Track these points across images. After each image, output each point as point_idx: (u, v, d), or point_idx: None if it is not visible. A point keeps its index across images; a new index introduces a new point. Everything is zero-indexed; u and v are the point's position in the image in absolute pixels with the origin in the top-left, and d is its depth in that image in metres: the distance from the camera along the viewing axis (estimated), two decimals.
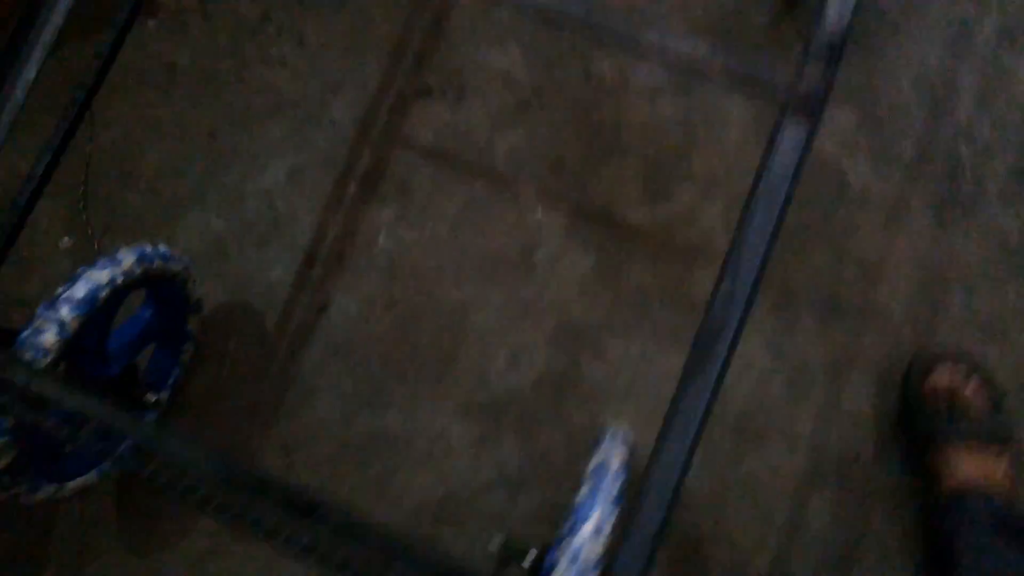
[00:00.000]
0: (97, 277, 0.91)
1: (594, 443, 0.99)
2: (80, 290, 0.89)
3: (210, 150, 1.28)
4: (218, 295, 1.21)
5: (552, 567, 0.74)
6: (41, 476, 0.99)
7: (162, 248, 1.01)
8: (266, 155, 1.27)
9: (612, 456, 0.87)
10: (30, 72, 0.82)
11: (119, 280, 0.93)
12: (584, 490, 0.81)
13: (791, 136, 0.74)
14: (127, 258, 0.95)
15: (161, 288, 1.06)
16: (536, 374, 1.19)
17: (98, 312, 0.92)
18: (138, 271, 0.96)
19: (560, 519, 0.79)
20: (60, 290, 0.89)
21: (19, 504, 0.97)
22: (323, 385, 1.19)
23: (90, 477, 1.07)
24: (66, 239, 1.25)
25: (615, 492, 0.82)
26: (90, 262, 0.94)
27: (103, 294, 0.91)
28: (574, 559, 0.73)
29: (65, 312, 0.88)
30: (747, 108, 1.24)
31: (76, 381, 0.95)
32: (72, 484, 1.04)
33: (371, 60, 1.29)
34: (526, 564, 0.77)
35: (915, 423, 1.10)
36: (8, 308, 1.23)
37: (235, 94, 1.29)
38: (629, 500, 0.79)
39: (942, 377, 1.09)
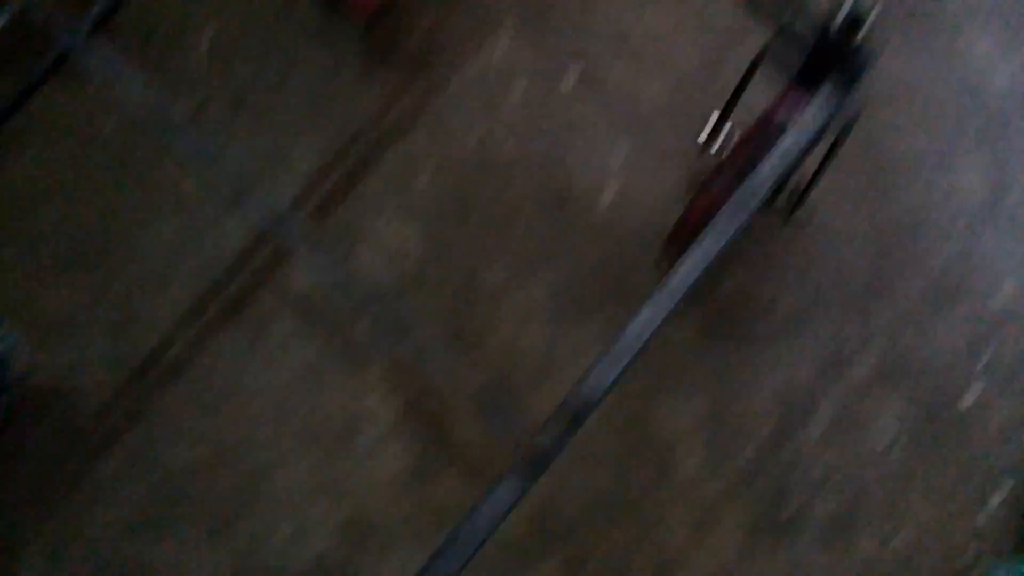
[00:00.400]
0: None
1: None
2: None
3: (101, 229, 1.28)
4: (46, 374, 1.21)
5: None
6: None
7: None
8: (149, 250, 1.28)
9: None
10: None
11: None
12: None
13: (506, 489, 0.75)
14: None
15: None
16: (313, 557, 1.18)
17: None
18: None
19: None
20: None
21: None
22: (111, 498, 1.19)
23: None
24: None
25: None
26: None
27: None
28: None
29: None
30: None
31: None
32: None
33: (281, 189, 1.30)
34: None
35: None
36: None
37: (143, 181, 1.31)
38: None
39: None
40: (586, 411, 0.76)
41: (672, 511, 1.19)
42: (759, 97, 1.08)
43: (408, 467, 1.21)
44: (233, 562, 1.17)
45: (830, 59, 0.84)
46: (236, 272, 1.27)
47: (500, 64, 1.31)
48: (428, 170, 1.30)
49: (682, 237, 1.09)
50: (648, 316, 0.77)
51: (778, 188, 1.03)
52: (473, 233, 1.28)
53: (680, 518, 1.19)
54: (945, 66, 1.32)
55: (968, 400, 1.24)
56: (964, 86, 1.32)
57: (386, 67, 1.31)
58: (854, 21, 0.82)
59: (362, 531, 1.19)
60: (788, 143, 0.85)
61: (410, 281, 1.27)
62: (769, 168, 0.85)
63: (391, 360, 1.24)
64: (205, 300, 1.26)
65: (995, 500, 1.23)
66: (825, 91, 0.84)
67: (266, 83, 1.32)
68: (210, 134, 1.31)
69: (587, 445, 1.20)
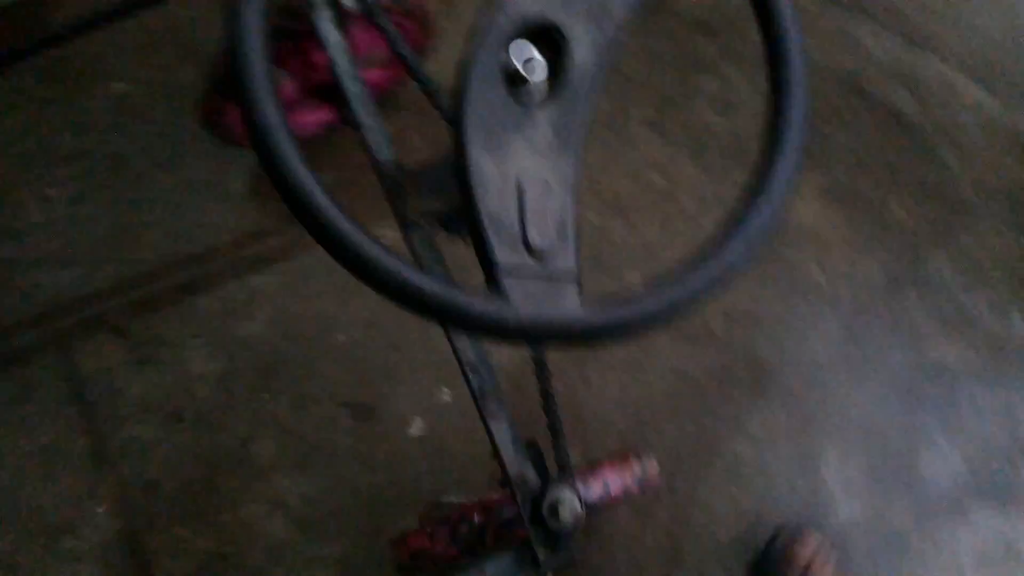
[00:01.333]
0: None
1: None
2: None
3: None
4: None
5: None
6: None
7: None
8: None
9: None
10: None
11: None
12: None
13: None
14: None
15: None
16: None
17: None
18: None
19: None
20: None
21: None
22: None
23: None
24: None
25: None
26: None
27: None
28: None
29: None
30: None
31: None
32: None
33: (115, 268, 1.24)
34: None
35: None
36: None
37: None
38: None
39: (805, 547, 1.17)
40: None
41: None
42: None
43: None
44: None
45: (529, 529, 0.78)
46: (25, 329, 1.22)
47: None
48: (261, 317, 1.25)
49: (399, 558, 1.04)
50: None
51: None
52: (269, 399, 1.23)
53: None
54: (798, 483, 1.27)
55: None
56: (808, 511, 1.27)
57: (266, 200, 1.25)
58: (552, 508, 0.77)
59: None
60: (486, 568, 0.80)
61: (185, 415, 1.22)
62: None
63: (132, 486, 1.20)
64: None
65: None
66: (511, 554, 0.79)
67: (154, 157, 1.25)
68: (80, 179, 1.26)
69: None
